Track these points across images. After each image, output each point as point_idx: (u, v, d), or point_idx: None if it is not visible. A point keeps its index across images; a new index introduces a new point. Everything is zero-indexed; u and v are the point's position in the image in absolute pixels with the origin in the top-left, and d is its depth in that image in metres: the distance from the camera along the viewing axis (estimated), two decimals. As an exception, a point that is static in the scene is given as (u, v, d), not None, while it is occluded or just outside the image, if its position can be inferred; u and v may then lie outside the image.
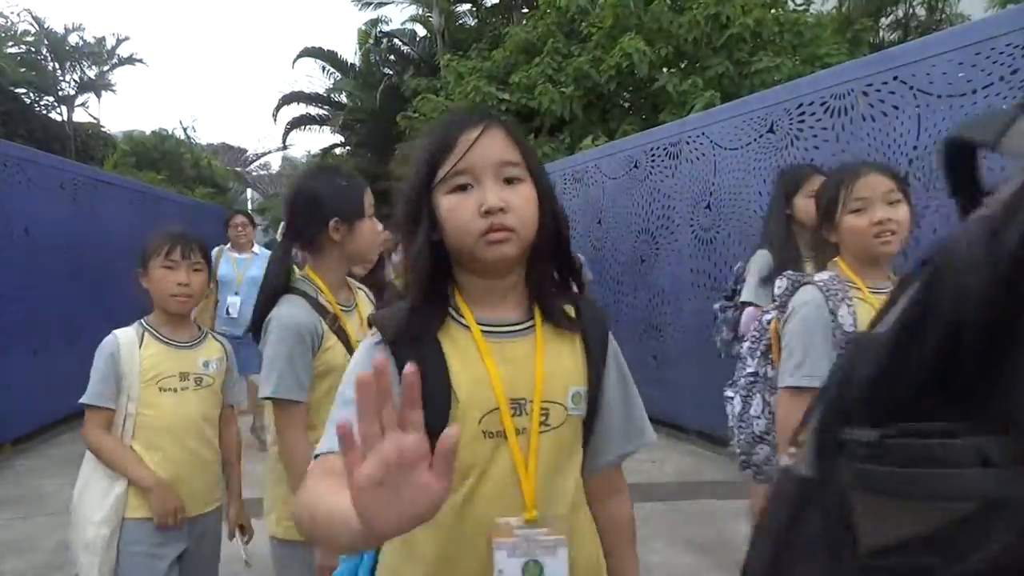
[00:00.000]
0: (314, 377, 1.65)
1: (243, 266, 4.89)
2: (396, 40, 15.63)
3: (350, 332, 1.71)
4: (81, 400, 1.95)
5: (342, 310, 1.75)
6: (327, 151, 18.87)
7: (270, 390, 1.61)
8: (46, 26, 22.48)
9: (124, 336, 1.92)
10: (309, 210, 1.71)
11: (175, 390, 1.91)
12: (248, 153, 32.17)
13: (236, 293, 4.73)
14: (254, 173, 31.60)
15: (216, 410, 2.01)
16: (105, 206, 6.76)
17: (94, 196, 6.59)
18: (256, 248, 5.08)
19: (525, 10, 13.42)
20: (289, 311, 1.64)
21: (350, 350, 1.65)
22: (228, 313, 4.72)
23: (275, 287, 1.68)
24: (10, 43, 21.44)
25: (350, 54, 17.23)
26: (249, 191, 30.05)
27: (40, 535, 3.52)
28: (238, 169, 28.85)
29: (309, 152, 28.39)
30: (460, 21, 15.18)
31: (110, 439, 1.97)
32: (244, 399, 3.57)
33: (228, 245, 5.07)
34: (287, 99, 17.47)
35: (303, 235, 1.74)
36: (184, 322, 2.00)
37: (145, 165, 21.95)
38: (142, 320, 1.97)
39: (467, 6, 15.10)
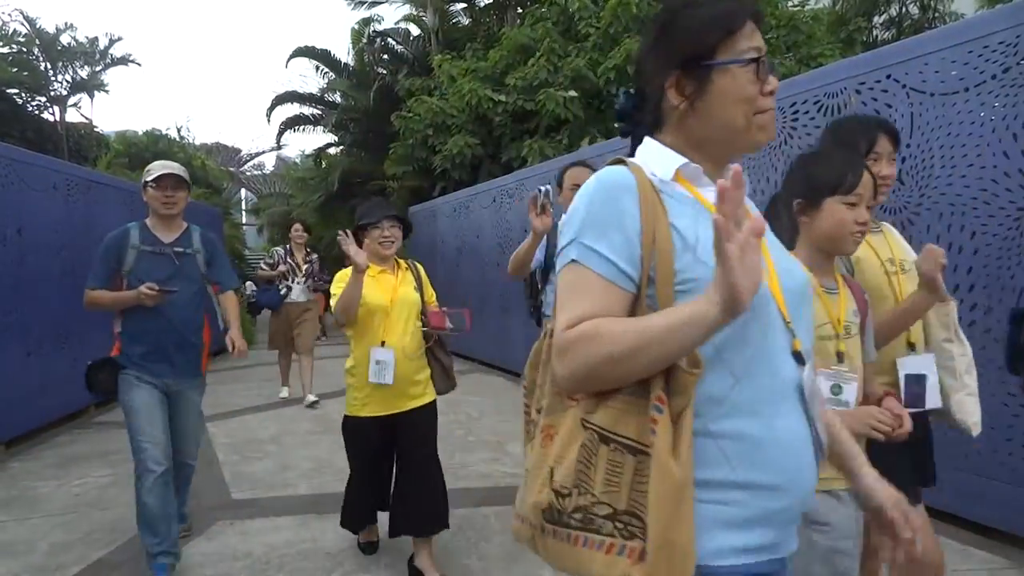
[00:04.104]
0: None
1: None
2: (390, 39, 15.58)
3: None
4: None
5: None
6: (321, 151, 18.82)
7: None
8: (38, 26, 22.34)
9: None
10: None
11: None
12: (242, 153, 32.09)
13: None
14: (248, 173, 31.49)
15: None
16: (98, 207, 6.74)
17: (87, 197, 6.57)
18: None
19: (519, 10, 13.41)
20: None
21: None
22: None
23: None
24: (1, 43, 21.31)
25: (344, 53, 17.23)
26: (243, 191, 29.95)
27: (34, 537, 3.52)
28: (232, 169, 28.76)
29: (303, 152, 28.35)
30: (454, 20, 15.16)
31: None
32: None
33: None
34: (281, 99, 17.41)
35: None
36: None
37: (138, 165, 21.81)
38: None
39: (461, 5, 15.08)
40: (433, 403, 3.04)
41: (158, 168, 3.07)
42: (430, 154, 11.79)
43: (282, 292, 6.81)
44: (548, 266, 3.25)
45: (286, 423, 5.96)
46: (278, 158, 31.27)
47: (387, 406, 2.92)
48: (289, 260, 6.92)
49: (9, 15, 29.19)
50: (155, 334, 2.99)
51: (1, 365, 5.11)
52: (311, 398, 6.71)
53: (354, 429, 3.01)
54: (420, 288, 3.09)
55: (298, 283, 6.88)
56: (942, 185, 3.30)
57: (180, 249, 3.09)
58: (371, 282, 2.90)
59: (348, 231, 2.83)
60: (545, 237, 3.08)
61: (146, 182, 3.06)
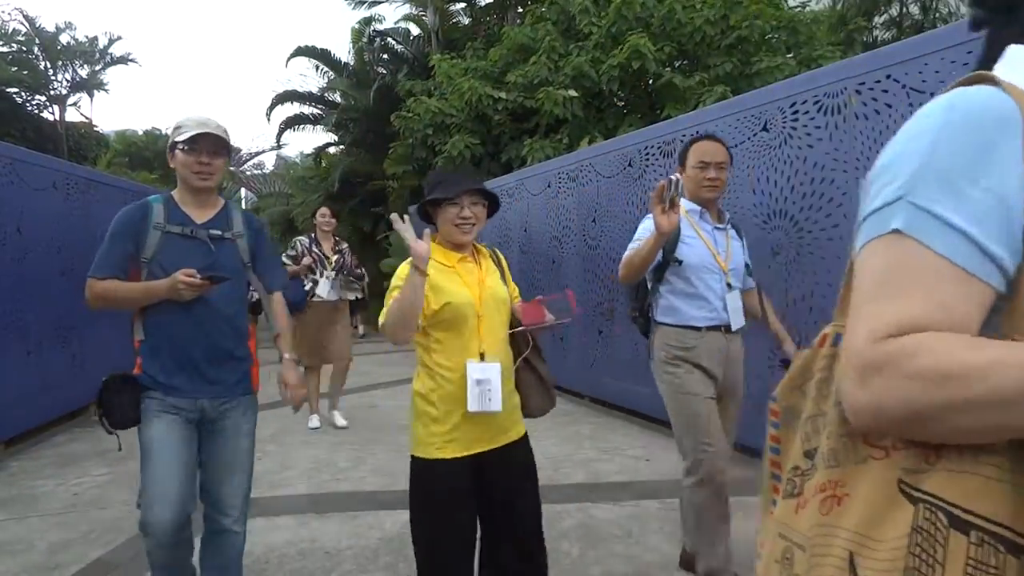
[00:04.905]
0: None
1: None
2: (390, 39, 15.60)
3: None
4: None
5: None
6: (321, 150, 18.84)
7: None
8: (38, 25, 22.36)
9: None
10: None
11: None
12: (242, 152, 32.07)
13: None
14: (248, 172, 31.49)
15: None
16: (98, 206, 6.73)
17: (87, 196, 6.57)
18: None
19: (520, 9, 13.42)
20: None
21: None
22: None
23: None
24: (1, 42, 21.32)
25: (344, 53, 17.24)
26: (243, 190, 29.96)
27: (34, 536, 3.51)
28: (232, 168, 28.75)
29: (303, 151, 28.38)
30: (454, 20, 15.18)
31: None
32: None
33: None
34: (281, 98, 17.43)
35: None
36: None
37: (138, 165, 21.88)
38: None
39: (461, 5, 15.09)
40: (527, 437, 2.26)
41: (192, 126, 2.29)
42: (430, 154, 11.79)
43: (306, 288, 5.57)
44: (663, 262, 2.71)
45: (286, 423, 5.96)
46: (278, 157, 31.27)
47: (479, 442, 2.11)
48: (315, 250, 5.72)
49: (9, 14, 29.24)
50: (182, 344, 2.26)
51: (1, 364, 5.11)
52: (340, 421, 5.71)
53: (434, 479, 2.09)
54: (504, 282, 2.31)
55: (327, 278, 5.67)
56: (942, 185, 3.29)
57: (217, 232, 2.36)
58: (450, 274, 2.14)
59: (403, 215, 2.03)
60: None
61: (175, 143, 2.31)
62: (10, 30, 21.64)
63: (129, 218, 2.30)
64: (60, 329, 5.89)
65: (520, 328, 2.24)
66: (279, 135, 19.38)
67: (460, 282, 2.14)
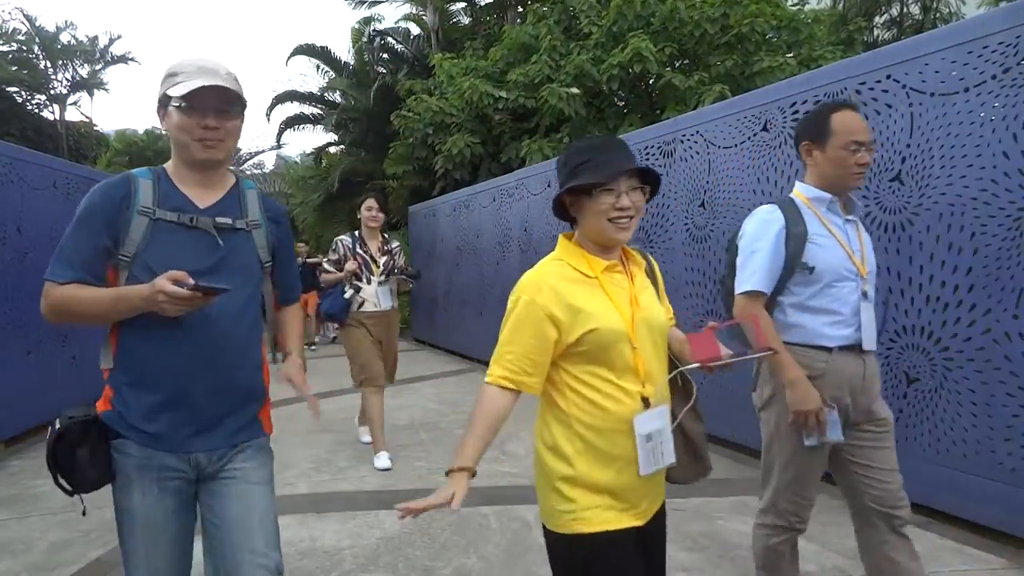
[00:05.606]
0: None
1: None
2: (390, 38, 15.61)
3: None
4: None
5: None
6: (321, 150, 18.86)
7: None
8: (38, 24, 22.38)
9: None
10: None
11: None
12: (242, 152, 32.06)
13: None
14: (248, 172, 31.51)
15: None
16: (98, 205, 6.74)
17: (87, 195, 6.58)
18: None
19: (520, 9, 13.44)
20: None
21: None
22: None
23: None
24: (1, 41, 21.33)
25: (344, 52, 17.28)
26: (243, 190, 30.01)
27: (34, 535, 3.51)
28: (232, 168, 28.78)
29: (304, 151, 28.38)
30: (454, 20, 15.20)
31: None
32: None
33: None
34: (281, 98, 17.46)
35: None
36: None
37: (138, 164, 21.87)
38: None
39: (461, 4, 15.11)
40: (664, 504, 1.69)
41: (192, 73, 1.59)
42: (430, 153, 11.80)
43: (347, 295, 4.71)
44: (788, 269, 2.15)
45: (286, 423, 5.96)
46: (278, 157, 31.31)
47: (638, 511, 1.56)
48: (360, 252, 4.77)
49: (9, 13, 29.26)
50: (172, 377, 1.59)
51: (1, 363, 5.12)
52: (385, 461, 4.63)
53: (601, 559, 1.49)
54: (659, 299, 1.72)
55: (377, 282, 4.75)
56: (942, 185, 3.30)
57: (227, 220, 1.67)
58: (593, 288, 1.57)
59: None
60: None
61: (167, 97, 1.60)
62: (10, 29, 21.65)
63: (104, 198, 1.60)
64: (61, 328, 5.89)
65: (689, 366, 1.65)
66: (279, 135, 19.41)
67: (606, 300, 1.56)
